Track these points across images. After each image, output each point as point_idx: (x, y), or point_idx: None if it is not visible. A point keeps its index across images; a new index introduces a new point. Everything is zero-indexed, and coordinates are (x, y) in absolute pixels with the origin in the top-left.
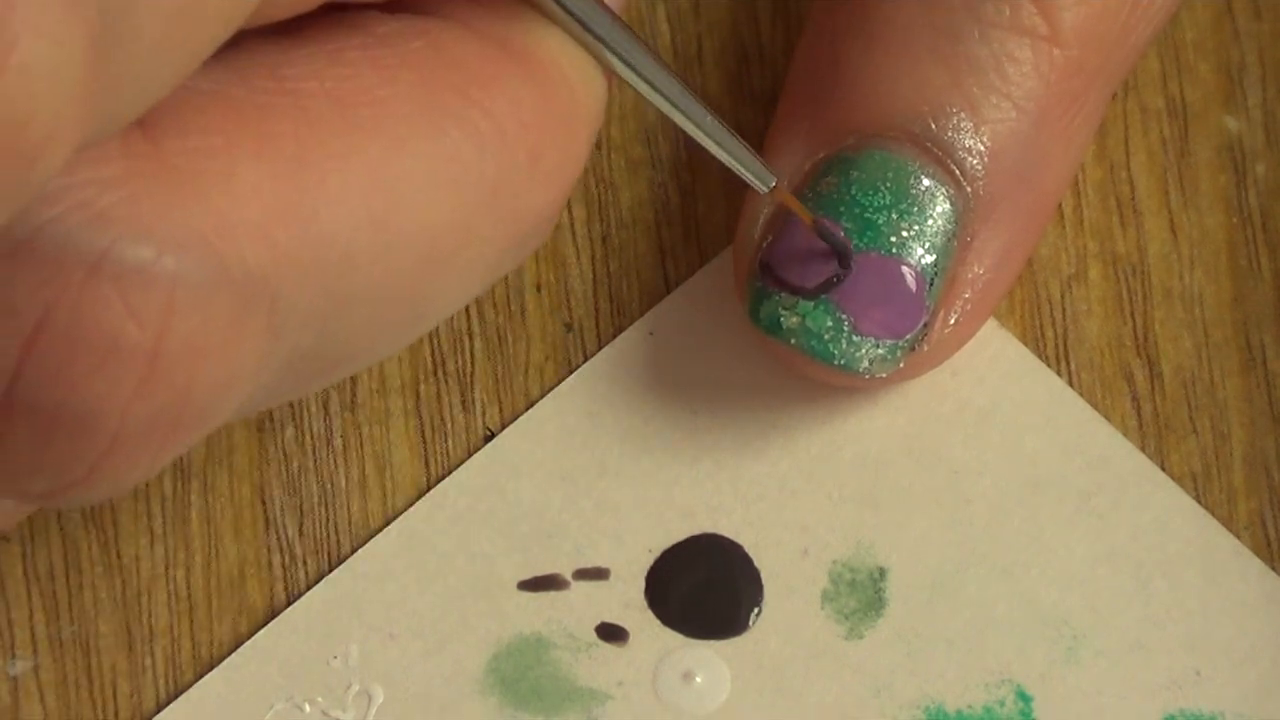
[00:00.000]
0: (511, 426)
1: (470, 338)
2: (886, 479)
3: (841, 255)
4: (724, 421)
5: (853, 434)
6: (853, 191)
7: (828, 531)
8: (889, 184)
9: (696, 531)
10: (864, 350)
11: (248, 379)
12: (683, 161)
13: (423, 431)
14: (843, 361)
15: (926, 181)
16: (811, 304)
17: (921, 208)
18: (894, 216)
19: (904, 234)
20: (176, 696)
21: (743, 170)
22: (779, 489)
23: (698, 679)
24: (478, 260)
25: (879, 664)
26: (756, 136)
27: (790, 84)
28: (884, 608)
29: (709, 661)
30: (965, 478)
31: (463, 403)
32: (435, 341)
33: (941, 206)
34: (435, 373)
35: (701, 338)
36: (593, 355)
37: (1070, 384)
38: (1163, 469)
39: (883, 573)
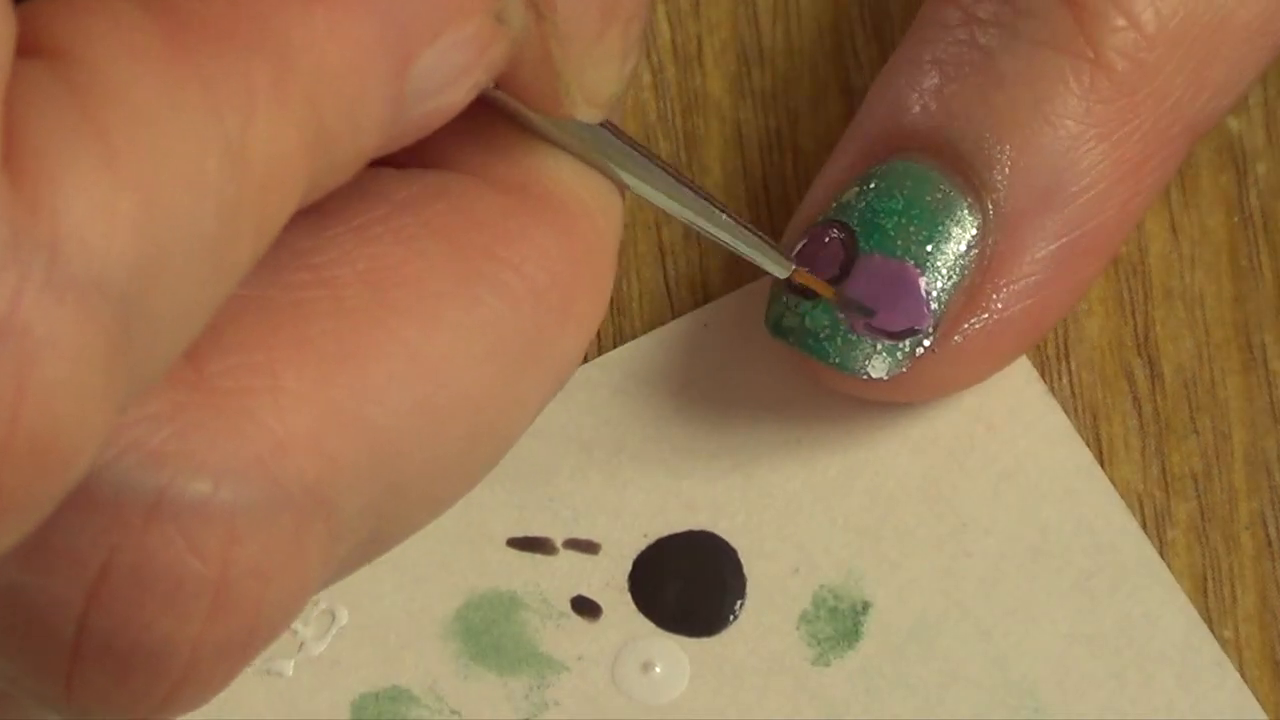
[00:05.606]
0: None
1: None
2: (893, 516)
3: (867, 317)
4: (751, 427)
5: (872, 465)
6: (869, 199)
7: (822, 554)
8: (905, 191)
9: (695, 526)
10: (860, 351)
11: (314, 586)
12: (683, 162)
13: None
14: (838, 360)
15: (944, 189)
16: (811, 304)
17: (934, 214)
18: (903, 221)
19: (912, 238)
20: None
21: (762, 259)
22: (785, 503)
23: (656, 669)
24: (522, 419)
25: (836, 695)
26: (756, 136)
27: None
28: (857, 641)
29: (672, 655)
30: (971, 531)
31: None
32: None
33: (958, 214)
34: None
35: (752, 342)
36: (592, 358)
37: (1070, 383)
38: (1163, 469)
39: (865, 606)
